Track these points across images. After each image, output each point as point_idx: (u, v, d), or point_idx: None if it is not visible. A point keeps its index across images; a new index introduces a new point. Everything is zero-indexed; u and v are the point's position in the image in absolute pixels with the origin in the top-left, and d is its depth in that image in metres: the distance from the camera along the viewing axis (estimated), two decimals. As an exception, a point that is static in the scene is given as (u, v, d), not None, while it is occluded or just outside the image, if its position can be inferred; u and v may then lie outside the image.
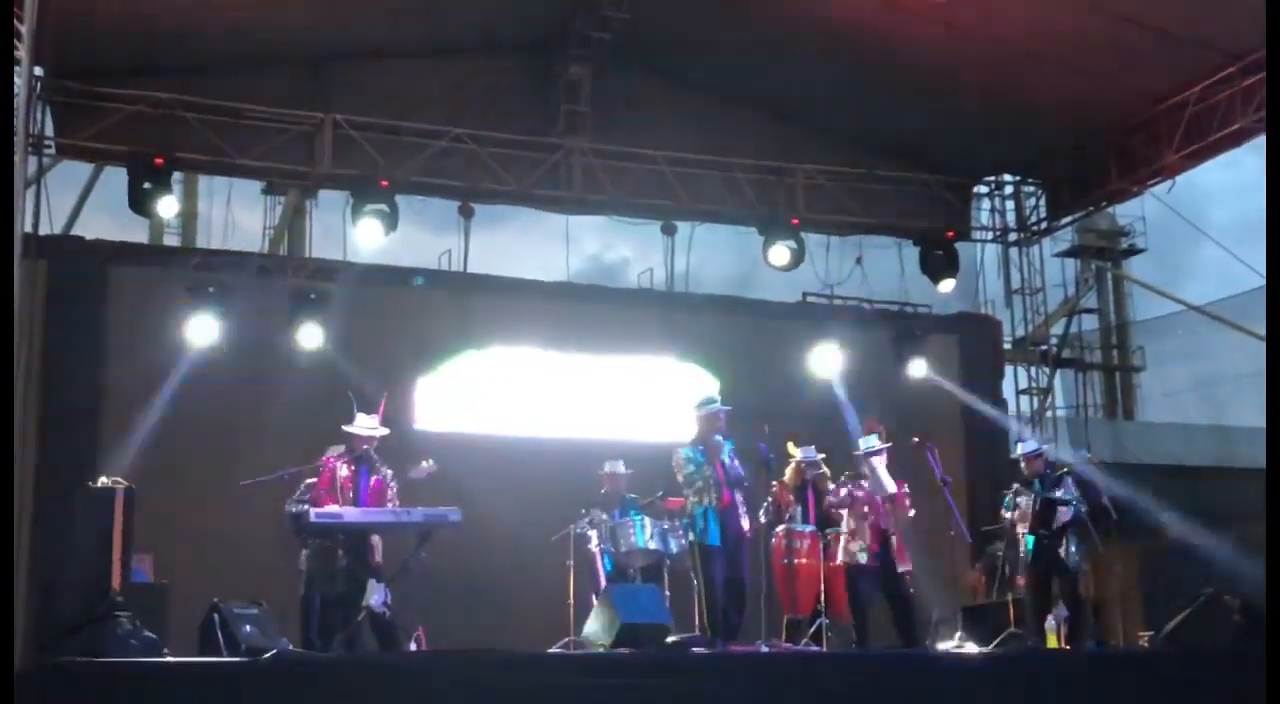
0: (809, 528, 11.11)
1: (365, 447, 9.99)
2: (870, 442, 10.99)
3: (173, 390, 12.01)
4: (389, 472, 10.03)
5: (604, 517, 10.95)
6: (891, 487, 10.72)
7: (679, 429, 13.71)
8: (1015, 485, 11.05)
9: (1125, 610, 11.38)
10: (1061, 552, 10.57)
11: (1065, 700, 7.71)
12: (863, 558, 10.51)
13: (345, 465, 9.85)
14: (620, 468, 11.38)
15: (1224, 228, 15.82)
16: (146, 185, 12.14)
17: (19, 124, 8.27)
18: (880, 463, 10.87)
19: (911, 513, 10.92)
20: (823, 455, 11.21)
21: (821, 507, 11.02)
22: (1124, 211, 24.23)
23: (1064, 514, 10.54)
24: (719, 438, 10.27)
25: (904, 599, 10.67)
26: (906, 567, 10.69)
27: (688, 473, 10.16)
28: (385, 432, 10.15)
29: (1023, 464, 11.06)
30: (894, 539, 10.62)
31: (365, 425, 10.05)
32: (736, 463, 10.28)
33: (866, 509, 10.64)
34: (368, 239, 12.82)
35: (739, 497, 10.21)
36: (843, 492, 10.77)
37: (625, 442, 13.27)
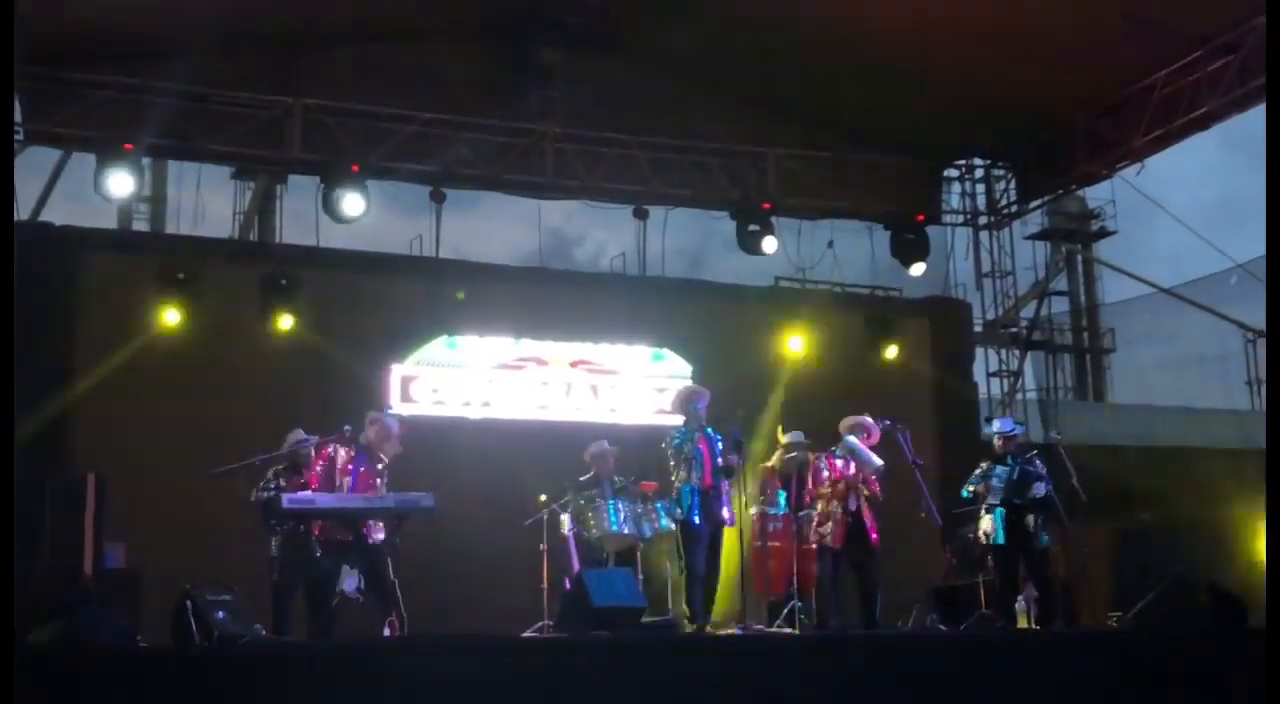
0: (783, 511, 11.15)
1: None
2: (854, 422, 10.87)
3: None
4: (383, 464, 9.98)
5: (581, 501, 10.93)
6: (879, 460, 10.69)
7: (650, 413, 13.85)
8: (984, 463, 11.04)
9: (1094, 591, 11.43)
10: (1030, 526, 10.56)
11: (1035, 681, 7.77)
12: (830, 541, 10.48)
13: (346, 451, 9.83)
14: (607, 447, 11.34)
15: (1181, 212, 15.98)
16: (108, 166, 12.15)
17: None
18: (856, 441, 10.80)
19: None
20: (809, 441, 11.18)
21: (802, 491, 11.01)
22: (1094, 194, 24.38)
23: (1038, 489, 10.55)
24: (709, 430, 10.30)
25: (873, 580, 10.64)
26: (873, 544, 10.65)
27: (675, 447, 10.16)
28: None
29: (997, 442, 11.02)
30: (866, 519, 10.57)
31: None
32: (722, 457, 10.23)
33: (841, 489, 10.58)
34: (352, 211, 12.83)
35: (724, 485, 10.19)
36: (824, 474, 10.67)
37: (597, 424, 13.33)
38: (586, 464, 11.21)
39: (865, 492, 10.52)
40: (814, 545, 10.62)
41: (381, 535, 9.60)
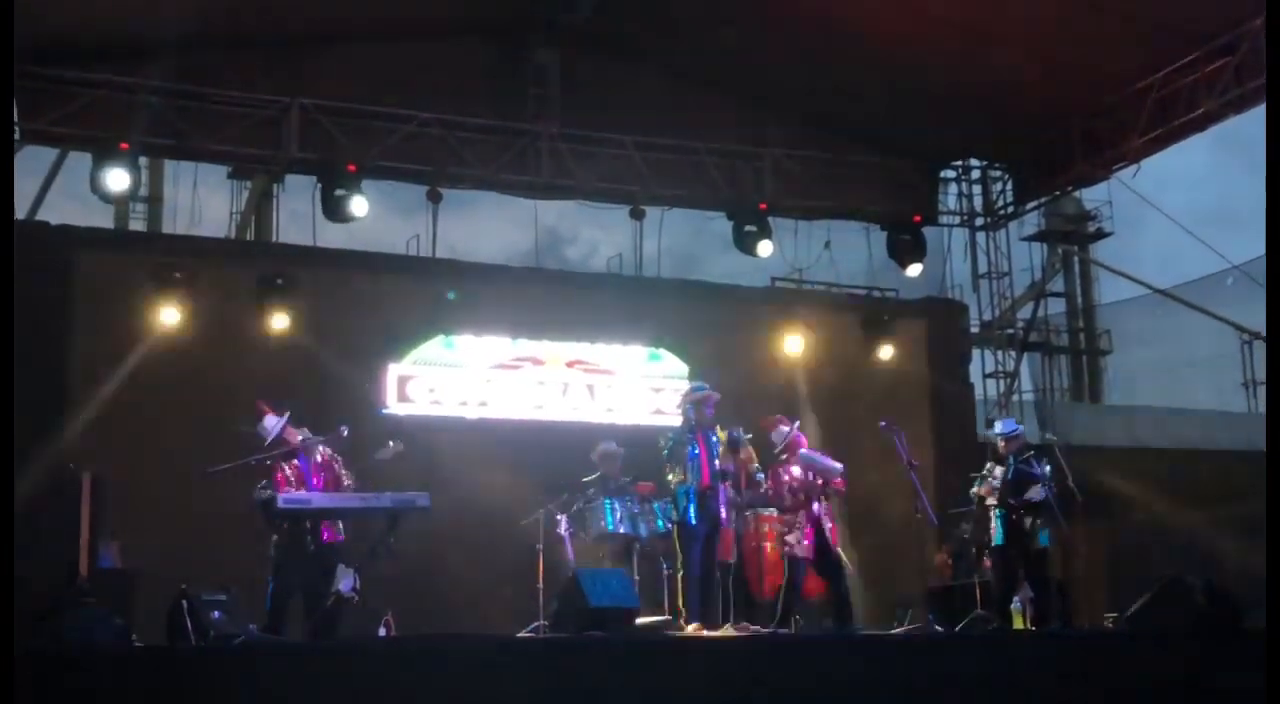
0: (775, 512, 11.12)
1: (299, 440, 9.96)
2: (783, 432, 10.85)
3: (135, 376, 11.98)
4: (326, 450, 9.98)
5: (579, 502, 10.91)
6: (839, 465, 10.68)
7: (647, 413, 13.84)
8: (989, 464, 11.05)
9: (1090, 592, 11.44)
10: (1028, 527, 10.57)
11: (1031, 682, 7.76)
12: (799, 551, 10.47)
13: (291, 464, 9.85)
14: (615, 448, 11.31)
15: (1177, 214, 15.99)
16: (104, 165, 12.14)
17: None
18: (810, 449, 10.78)
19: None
20: (750, 436, 11.11)
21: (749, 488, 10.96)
22: (1090, 196, 24.39)
23: (1036, 491, 10.55)
24: (712, 430, 10.21)
25: (842, 586, 10.63)
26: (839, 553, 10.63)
27: (671, 449, 10.11)
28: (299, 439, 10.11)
29: (1001, 444, 11.03)
30: (828, 526, 10.54)
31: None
32: (718, 458, 10.13)
33: (802, 499, 10.55)
34: (356, 211, 12.85)
35: (721, 486, 10.13)
36: (784, 480, 10.65)
37: (594, 424, 13.34)
38: (594, 464, 11.19)
39: (830, 492, 10.52)
40: (783, 554, 10.59)
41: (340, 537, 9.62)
